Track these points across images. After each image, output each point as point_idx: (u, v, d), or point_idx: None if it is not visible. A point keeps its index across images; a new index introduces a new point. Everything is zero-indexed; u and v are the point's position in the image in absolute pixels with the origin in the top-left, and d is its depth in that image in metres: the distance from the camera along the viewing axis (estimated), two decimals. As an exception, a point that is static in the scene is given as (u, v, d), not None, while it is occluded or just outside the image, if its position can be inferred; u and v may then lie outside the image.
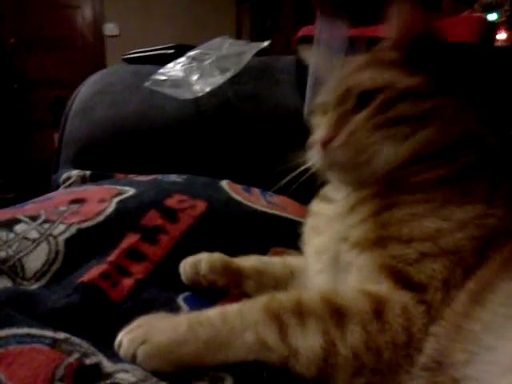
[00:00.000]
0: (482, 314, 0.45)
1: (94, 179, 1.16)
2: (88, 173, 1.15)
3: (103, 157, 1.25)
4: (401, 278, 0.51)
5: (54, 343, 0.50)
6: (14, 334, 0.50)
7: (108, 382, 0.47)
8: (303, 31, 1.39)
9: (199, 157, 1.24)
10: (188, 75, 1.24)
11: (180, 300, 0.67)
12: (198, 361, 0.51)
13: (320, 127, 0.65)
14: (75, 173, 1.15)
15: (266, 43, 1.42)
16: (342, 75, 0.66)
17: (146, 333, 0.53)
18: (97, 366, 0.50)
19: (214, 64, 1.27)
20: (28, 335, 0.50)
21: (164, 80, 1.24)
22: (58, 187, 1.18)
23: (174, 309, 0.65)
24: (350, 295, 0.52)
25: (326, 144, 0.60)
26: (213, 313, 0.54)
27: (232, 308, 0.53)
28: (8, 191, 4.42)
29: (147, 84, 1.25)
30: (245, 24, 4.86)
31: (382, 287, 0.51)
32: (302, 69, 1.32)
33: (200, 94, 1.21)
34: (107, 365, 0.51)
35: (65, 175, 1.17)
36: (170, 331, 0.52)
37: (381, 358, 0.47)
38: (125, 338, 0.53)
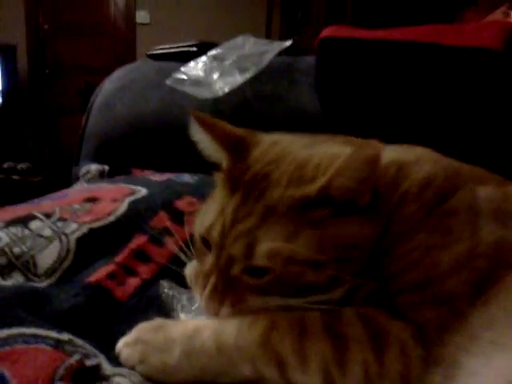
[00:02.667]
0: (463, 339, 0.46)
1: (112, 174, 1.19)
2: (106, 168, 1.19)
3: (122, 152, 1.29)
4: (399, 315, 0.50)
5: (58, 344, 0.53)
6: (22, 333, 0.53)
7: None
8: (328, 32, 1.35)
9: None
10: (208, 74, 1.26)
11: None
12: (195, 381, 0.52)
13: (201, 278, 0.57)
14: (94, 167, 1.19)
15: (288, 42, 1.43)
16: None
17: (142, 353, 0.54)
18: (96, 368, 0.52)
19: (235, 64, 1.28)
20: (34, 335, 0.53)
21: (184, 79, 1.26)
22: (77, 179, 1.22)
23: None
24: (349, 319, 0.51)
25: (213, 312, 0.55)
26: (207, 337, 0.52)
27: (228, 335, 0.52)
28: (35, 175, 4.53)
29: (168, 82, 1.27)
30: (275, 15, 4.83)
31: (382, 315, 0.51)
32: (321, 70, 1.32)
33: (219, 94, 1.23)
34: (107, 367, 0.53)
35: (84, 169, 1.21)
36: (164, 353, 0.53)
37: None
38: (123, 352, 0.55)
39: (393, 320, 0.50)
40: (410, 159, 0.61)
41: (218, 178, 0.61)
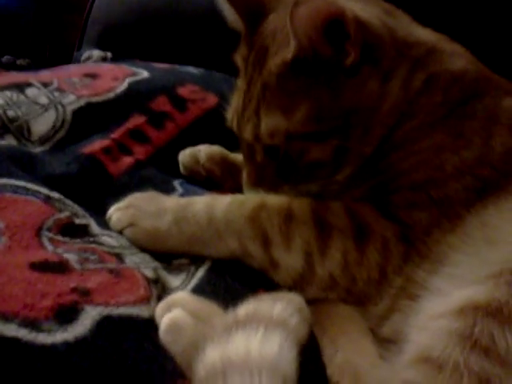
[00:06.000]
0: (453, 238, 0.46)
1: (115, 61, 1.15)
2: (109, 54, 1.14)
3: (127, 40, 1.23)
4: (388, 214, 0.50)
5: (47, 199, 0.53)
6: (11, 184, 0.52)
7: (92, 239, 0.50)
8: None
9: (224, 52, 1.21)
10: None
11: (176, 183, 0.69)
12: (182, 251, 0.53)
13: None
14: (96, 53, 1.14)
15: None
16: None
17: (134, 216, 0.54)
18: (85, 226, 0.53)
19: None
20: (24, 188, 0.53)
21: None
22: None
23: (168, 189, 0.67)
24: (337, 211, 0.51)
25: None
26: (199, 208, 0.53)
27: (219, 209, 0.52)
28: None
29: (180, -31, 1.19)
30: None
31: (370, 212, 0.51)
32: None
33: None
34: (95, 228, 0.54)
35: (86, 54, 1.16)
36: (155, 218, 0.53)
37: (354, 285, 0.48)
38: (114, 215, 0.55)
39: (380, 218, 0.50)
40: (447, 49, 0.58)
41: (238, 59, 0.58)
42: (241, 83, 0.57)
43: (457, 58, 0.57)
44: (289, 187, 0.56)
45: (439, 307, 0.40)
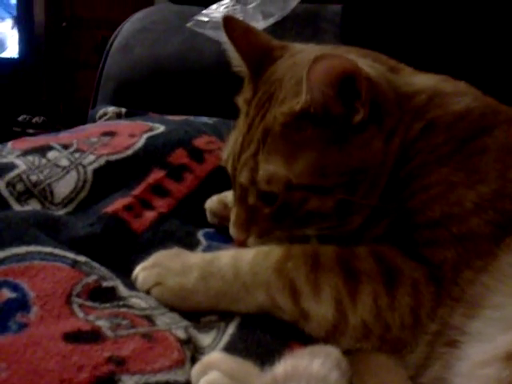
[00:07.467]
0: (488, 279, 0.45)
1: (129, 116, 1.17)
2: (123, 110, 1.17)
3: (140, 95, 1.26)
4: (414, 254, 0.49)
5: (75, 264, 0.53)
6: (40, 251, 0.53)
7: (121, 303, 0.49)
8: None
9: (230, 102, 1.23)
10: (230, 18, 1.22)
11: (200, 235, 0.69)
12: (210, 308, 0.52)
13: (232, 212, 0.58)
14: (111, 109, 1.17)
15: (313, -11, 1.37)
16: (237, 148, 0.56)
17: (160, 275, 0.54)
18: (113, 289, 0.52)
19: (258, 8, 1.24)
20: (51, 254, 0.53)
21: (206, 21, 1.22)
22: (94, 122, 1.21)
23: (193, 242, 0.67)
24: (363, 255, 0.50)
25: (242, 243, 0.57)
26: (225, 262, 0.52)
27: (245, 261, 0.52)
28: (49, 128, 4.51)
29: (189, 24, 1.23)
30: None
31: (396, 254, 0.50)
32: (347, 19, 1.27)
33: (240, 39, 1.19)
34: (122, 290, 0.53)
35: (101, 111, 1.19)
36: (181, 276, 0.53)
37: (388, 331, 0.47)
38: (140, 275, 0.55)
39: (406, 259, 0.49)
40: (449, 90, 0.58)
41: (239, 101, 0.59)
42: (240, 125, 0.58)
43: (460, 97, 0.57)
44: (282, 231, 0.56)
45: (484, 354, 0.38)
